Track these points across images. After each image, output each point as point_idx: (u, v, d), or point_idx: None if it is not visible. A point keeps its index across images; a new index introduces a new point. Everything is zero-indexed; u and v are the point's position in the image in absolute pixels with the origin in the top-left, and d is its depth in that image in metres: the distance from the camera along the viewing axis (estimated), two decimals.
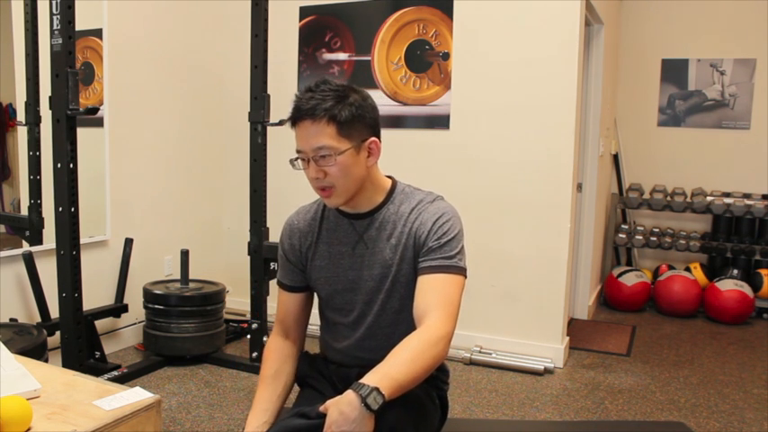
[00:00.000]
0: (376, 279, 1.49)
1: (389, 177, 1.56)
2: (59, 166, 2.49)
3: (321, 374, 1.59)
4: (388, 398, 1.19)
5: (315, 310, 1.65)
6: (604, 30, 4.14)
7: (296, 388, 1.64)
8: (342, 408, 1.18)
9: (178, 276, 3.44)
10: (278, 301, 1.62)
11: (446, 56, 3.49)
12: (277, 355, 1.57)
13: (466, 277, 1.44)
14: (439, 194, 1.54)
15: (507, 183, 3.41)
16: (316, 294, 1.62)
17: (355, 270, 1.51)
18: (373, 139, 1.45)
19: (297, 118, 1.40)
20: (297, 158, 1.43)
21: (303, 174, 1.46)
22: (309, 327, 1.67)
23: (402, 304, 1.49)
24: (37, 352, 2.40)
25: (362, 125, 1.41)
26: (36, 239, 3.01)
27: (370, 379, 1.21)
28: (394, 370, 1.24)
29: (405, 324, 1.48)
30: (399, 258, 1.46)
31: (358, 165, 1.42)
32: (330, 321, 1.59)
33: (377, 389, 1.18)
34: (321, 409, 1.23)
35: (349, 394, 1.19)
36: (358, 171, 1.42)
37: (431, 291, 1.39)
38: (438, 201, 1.51)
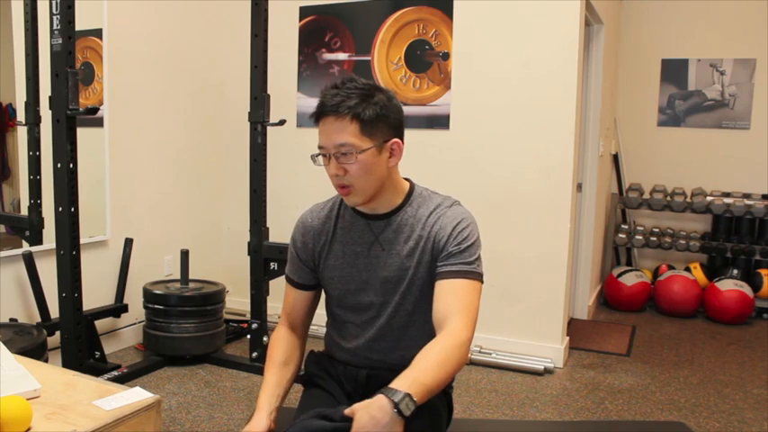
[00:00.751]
0: (392, 281, 1.48)
1: (407, 180, 1.56)
2: (59, 166, 2.49)
3: (328, 374, 1.58)
4: (418, 403, 1.18)
5: (320, 310, 1.64)
6: (604, 30, 4.14)
7: (296, 387, 1.64)
8: (373, 412, 1.15)
9: (178, 276, 3.44)
10: (285, 294, 1.62)
11: (446, 56, 3.49)
12: (286, 344, 1.57)
13: (483, 283, 1.45)
14: (456, 199, 1.54)
15: (507, 183, 3.41)
16: (324, 292, 1.61)
17: (370, 271, 1.50)
18: (396, 140, 1.44)
19: (321, 113, 1.39)
20: (318, 154, 1.43)
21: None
22: (311, 326, 1.66)
23: (415, 307, 1.48)
24: (37, 352, 2.40)
25: (386, 125, 1.41)
26: (36, 239, 3.01)
27: (400, 384, 1.19)
28: (423, 375, 1.22)
29: (415, 326, 1.48)
30: (416, 261, 1.46)
31: (379, 165, 1.42)
32: (339, 320, 1.58)
33: (409, 395, 1.16)
34: (347, 412, 1.20)
35: (381, 399, 1.16)
36: (379, 171, 1.42)
37: (452, 296, 1.39)
38: (456, 206, 1.51)
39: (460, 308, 1.36)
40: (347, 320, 1.56)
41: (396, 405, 1.14)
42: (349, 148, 1.37)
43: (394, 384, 1.19)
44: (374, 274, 1.49)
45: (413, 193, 1.53)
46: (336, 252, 1.53)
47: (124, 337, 3.49)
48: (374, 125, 1.39)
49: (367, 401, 1.17)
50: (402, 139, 1.46)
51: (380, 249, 1.49)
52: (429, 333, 1.39)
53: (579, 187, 4.14)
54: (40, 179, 3.00)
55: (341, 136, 1.37)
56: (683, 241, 4.73)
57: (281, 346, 1.56)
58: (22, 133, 3.00)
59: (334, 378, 1.57)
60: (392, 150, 1.44)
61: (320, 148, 1.41)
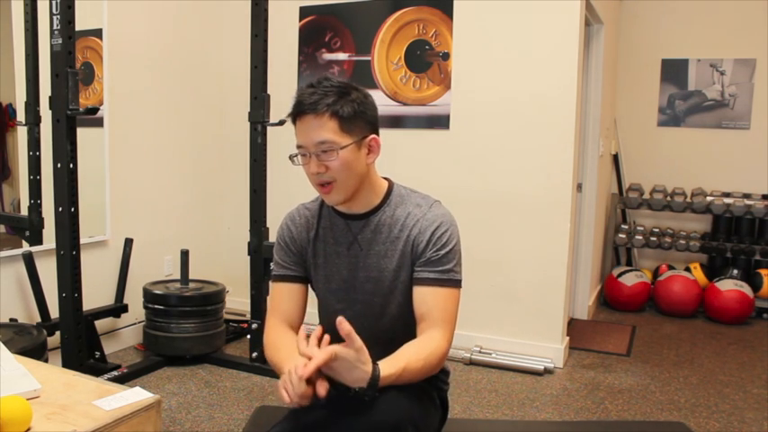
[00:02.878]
0: (372, 282, 1.48)
1: (386, 179, 1.55)
2: (59, 166, 2.49)
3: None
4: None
5: (315, 310, 1.64)
6: (604, 30, 4.14)
7: None
8: (356, 375, 1.24)
9: (178, 276, 3.44)
10: (274, 296, 1.57)
11: (446, 56, 3.49)
12: (287, 334, 1.51)
13: (461, 288, 1.46)
14: (436, 199, 1.53)
15: (507, 183, 3.41)
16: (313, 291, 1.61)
17: (350, 270, 1.50)
18: (374, 136, 1.45)
19: (299, 112, 1.40)
20: (296, 154, 1.43)
21: (303, 174, 1.45)
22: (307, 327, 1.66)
23: (400, 311, 1.48)
24: (37, 352, 2.40)
25: (363, 122, 1.42)
26: (36, 239, 3.01)
27: (386, 370, 1.26)
28: (405, 375, 1.30)
29: (403, 330, 1.47)
30: (397, 265, 1.46)
31: (359, 161, 1.42)
32: (325, 323, 1.56)
33: (376, 390, 1.24)
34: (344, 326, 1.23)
35: (366, 373, 1.23)
36: (358, 167, 1.43)
37: (433, 305, 1.42)
38: (435, 206, 1.50)
39: (442, 319, 1.41)
40: (332, 321, 1.55)
41: (366, 388, 1.23)
42: (330, 145, 1.38)
43: (384, 371, 1.26)
44: (354, 274, 1.50)
45: (391, 192, 1.52)
46: (319, 251, 1.54)
47: (124, 337, 3.49)
48: (352, 122, 1.40)
49: (363, 360, 1.24)
50: (378, 136, 1.47)
51: (359, 249, 1.49)
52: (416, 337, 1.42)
53: (579, 187, 4.14)
54: (40, 179, 2.99)
55: (321, 133, 1.38)
56: (683, 241, 4.73)
57: (281, 333, 1.50)
58: (22, 133, 3.00)
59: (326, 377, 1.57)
60: (370, 147, 1.45)
61: (299, 147, 1.42)
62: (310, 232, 1.55)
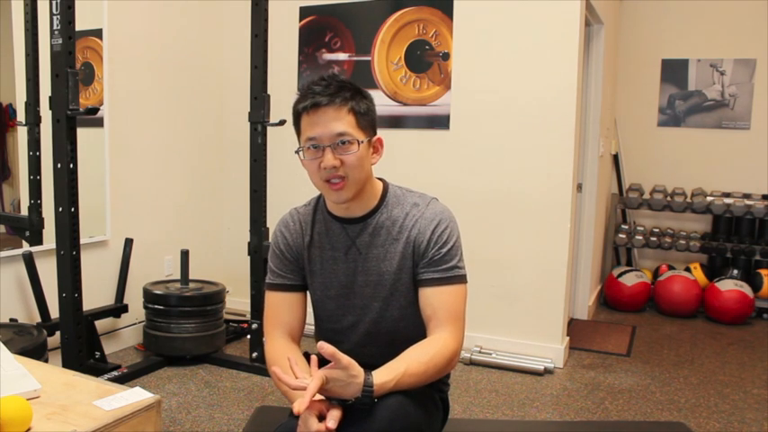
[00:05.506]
0: (371, 285, 1.46)
1: (380, 179, 1.53)
2: (59, 166, 2.49)
3: None
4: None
5: (310, 309, 1.63)
6: (604, 30, 4.14)
7: None
8: (349, 390, 1.22)
9: (178, 276, 3.44)
10: (272, 307, 1.52)
11: (446, 56, 3.49)
12: (291, 347, 1.48)
13: (467, 282, 1.45)
14: (432, 196, 1.52)
15: (507, 183, 3.41)
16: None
17: (349, 276, 1.48)
18: (379, 137, 1.45)
19: (315, 104, 1.35)
20: (304, 147, 1.38)
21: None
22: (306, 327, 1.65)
23: (402, 313, 1.47)
24: (37, 352, 2.40)
25: (373, 121, 1.43)
26: (36, 239, 3.01)
27: (382, 379, 1.24)
28: (405, 380, 1.27)
29: (405, 331, 1.46)
30: (397, 267, 1.44)
31: (368, 159, 1.42)
32: (324, 327, 1.57)
33: (372, 396, 1.23)
34: (329, 352, 1.21)
35: (359, 384, 1.21)
36: (367, 166, 1.42)
37: (438, 305, 1.40)
38: (433, 204, 1.48)
39: (449, 318, 1.39)
40: (329, 327, 1.54)
41: (362, 397, 1.22)
42: (349, 137, 1.36)
43: (378, 378, 1.24)
44: (353, 279, 1.47)
45: (387, 194, 1.50)
46: (314, 257, 1.51)
47: (124, 337, 3.49)
48: (365, 119, 1.40)
49: (354, 373, 1.21)
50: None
51: (358, 253, 1.47)
52: (420, 339, 1.40)
53: (579, 187, 4.14)
54: (40, 179, 2.99)
55: (340, 125, 1.35)
56: (683, 241, 4.72)
57: (285, 350, 1.45)
58: (22, 133, 3.00)
59: None
60: (375, 147, 1.45)
61: (311, 139, 1.37)
62: (305, 238, 1.51)
